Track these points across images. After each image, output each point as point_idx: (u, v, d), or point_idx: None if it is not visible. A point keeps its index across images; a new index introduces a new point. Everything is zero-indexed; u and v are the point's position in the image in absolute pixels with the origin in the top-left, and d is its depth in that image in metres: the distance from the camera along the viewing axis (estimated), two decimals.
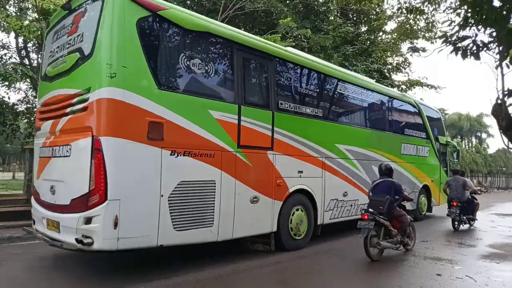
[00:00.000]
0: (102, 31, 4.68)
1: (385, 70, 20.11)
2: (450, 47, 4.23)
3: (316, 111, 7.63)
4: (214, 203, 5.51)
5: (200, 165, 5.36)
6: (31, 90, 12.91)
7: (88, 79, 4.77)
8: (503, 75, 4.12)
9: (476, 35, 4.18)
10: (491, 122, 50.97)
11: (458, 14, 4.36)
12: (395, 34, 17.91)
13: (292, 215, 6.81)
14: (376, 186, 6.66)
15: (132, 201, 4.61)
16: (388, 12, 17.38)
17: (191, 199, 5.24)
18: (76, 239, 4.46)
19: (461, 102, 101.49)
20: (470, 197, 10.22)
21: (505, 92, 4.06)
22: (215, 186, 5.54)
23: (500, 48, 4.08)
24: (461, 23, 4.19)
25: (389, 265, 6.10)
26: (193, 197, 5.28)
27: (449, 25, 4.26)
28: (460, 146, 37.65)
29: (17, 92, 12.65)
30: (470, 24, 4.15)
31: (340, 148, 8.11)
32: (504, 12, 3.85)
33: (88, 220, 4.47)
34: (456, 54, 4.19)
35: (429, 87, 20.94)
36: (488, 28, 4.15)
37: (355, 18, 20.55)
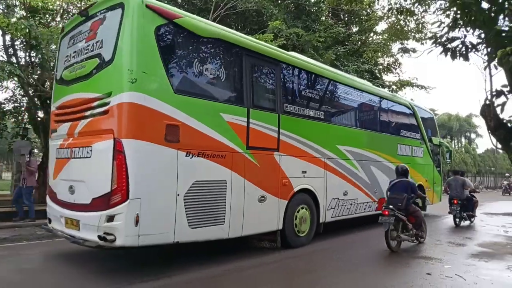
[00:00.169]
0: (123, 39, 4.93)
1: (376, 71, 20.26)
2: (440, 48, 4.28)
3: (318, 113, 7.95)
4: (225, 202, 5.78)
5: (212, 166, 5.64)
6: (18, 89, 12.78)
7: (108, 84, 5.01)
8: (491, 76, 4.17)
9: (465, 36, 4.25)
10: (480, 123, 51.82)
11: (448, 16, 4.43)
12: (386, 34, 18.19)
13: (297, 213, 7.13)
14: (394, 185, 7.40)
15: (151, 200, 4.87)
16: (379, 13, 17.70)
17: (204, 198, 5.51)
18: (99, 236, 4.71)
19: (451, 102, 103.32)
20: (469, 195, 10.90)
21: (493, 93, 4.13)
22: (226, 185, 5.82)
23: (489, 49, 4.15)
24: (450, 24, 4.26)
25: (380, 264, 6.21)
26: (206, 196, 5.55)
27: (439, 26, 4.31)
28: (450, 146, 38.29)
29: (4, 91, 12.44)
30: (459, 26, 4.22)
31: (340, 149, 8.45)
32: (492, 14, 3.91)
33: (110, 218, 4.71)
34: (446, 55, 4.25)
35: (419, 87, 21.10)
36: (477, 30, 4.21)
37: (346, 19, 20.61)
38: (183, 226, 5.19)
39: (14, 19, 10.23)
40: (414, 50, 20.39)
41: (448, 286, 4.99)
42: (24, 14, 10.18)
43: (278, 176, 6.77)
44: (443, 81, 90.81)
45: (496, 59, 3.63)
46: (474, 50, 4.23)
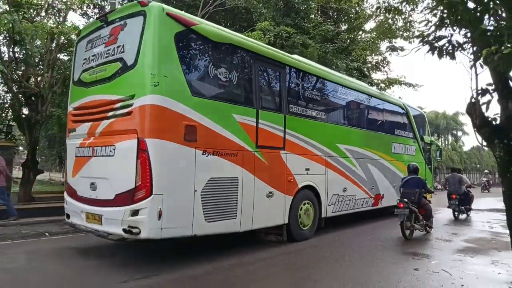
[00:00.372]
0: (145, 44, 5.25)
1: (365, 69, 20.43)
2: (427, 47, 4.33)
3: (320, 113, 8.39)
4: (237, 198, 6.16)
5: (226, 163, 6.01)
6: (1, 85, 12.29)
7: (131, 87, 5.32)
8: (477, 74, 4.22)
9: (452, 35, 4.30)
10: (466, 120, 52.91)
11: (435, 15, 4.45)
12: (374, 33, 18.42)
13: (301, 209, 7.55)
14: (407, 182, 8.51)
15: (172, 195, 5.23)
16: (368, 11, 17.96)
17: (218, 194, 5.88)
18: (124, 230, 5.04)
19: (438, 100, 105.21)
20: (466, 190, 12.05)
21: (479, 91, 4.20)
22: (237, 182, 6.20)
23: (474, 48, 4.20)
24: (437, 23, 4.30)
25: (369, 261, 6.25)
26: (220, 192, 5.92)
27: (426, 25, 4.35)
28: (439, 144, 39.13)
29: None
30: (446, 25, 4.27)
31: (340, 147, 8.90)
32: (478, 14, 3.96)
33: (135, 212, 5.04)
34: (433, 53, 4.29)
35: (407, 85, 21.32)
36: (463, 29, 4.26)
37: (335, 17, 20.65)
38: (200, 220, 5.55)
39: None
40: (402, 49, 20.56)
41: (435, 281, 5.14)
42: (8, 8, 9.80)
43: (284, 173, 7.18)
44: (431, 80, 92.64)
45: (482, 58, 3.70)
46: (460, 49, 4.30)
